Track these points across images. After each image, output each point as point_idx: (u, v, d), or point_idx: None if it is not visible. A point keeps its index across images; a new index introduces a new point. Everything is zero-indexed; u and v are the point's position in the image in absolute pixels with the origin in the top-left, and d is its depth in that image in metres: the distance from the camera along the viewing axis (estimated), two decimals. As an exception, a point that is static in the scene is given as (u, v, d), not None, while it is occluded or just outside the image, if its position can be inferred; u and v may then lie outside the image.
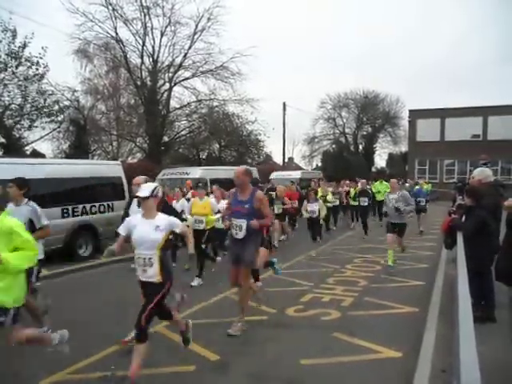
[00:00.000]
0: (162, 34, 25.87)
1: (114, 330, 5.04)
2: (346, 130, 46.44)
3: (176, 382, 3.90)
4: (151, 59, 26.35)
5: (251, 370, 4.08)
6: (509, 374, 3.72)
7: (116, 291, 6.88)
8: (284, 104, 31.76)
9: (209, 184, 12.86)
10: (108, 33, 24.81)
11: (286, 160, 35.84)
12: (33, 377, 3.95)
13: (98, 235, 10.18)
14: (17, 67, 18.84)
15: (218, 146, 31.76)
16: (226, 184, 13.28)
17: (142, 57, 26.07)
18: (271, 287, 7.07)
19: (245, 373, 4.04)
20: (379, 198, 15.40)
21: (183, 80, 27.37)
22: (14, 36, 18.43)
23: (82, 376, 4.00)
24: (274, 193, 11.35)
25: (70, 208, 9.61)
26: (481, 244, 5.06)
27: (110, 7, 24.13)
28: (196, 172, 14.75)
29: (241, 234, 5.02)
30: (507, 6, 58.95)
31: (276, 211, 10.55)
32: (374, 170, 44.75)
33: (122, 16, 24.74)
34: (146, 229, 3.78)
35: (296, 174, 21.57)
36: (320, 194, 12.58)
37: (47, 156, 24.61)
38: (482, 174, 5.98)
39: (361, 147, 46.89)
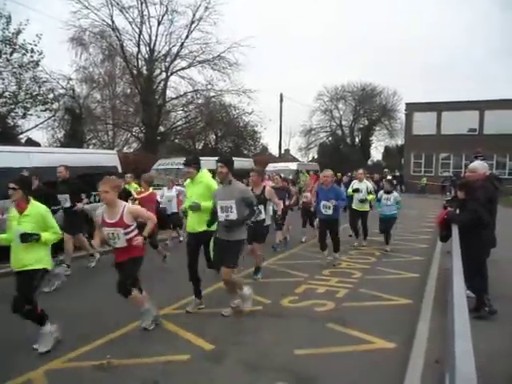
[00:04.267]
0: (158, 23, 25.63)
1: (111, 319, 5.04)
2: (343, 123, 46.44)
3: (171, 371, 3.90)
4: (148, 48, 26.10)
5: (246, 360, 4.09)
6: (504, 366, 3.75)
7: (114, 279, 6.85)
8: (281, 95, 31.69)
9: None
10: (104, 20, 24.55)
11: (283, 152, 35.81)
12: (27, 365, 3.94)
13: (93, 224, 10.07)
14: (11, 54, 18.58)
15: (214, 136, 31.72)
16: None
17: (138, 45, 25.83)
18: (266, 278, 7.09)
19: (239, 362, 4.05)
20: None
21: (180, 70, 27.18)
22: (8, 22, 18.16)
23: (78, 364, 3.99)
24: None
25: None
26: (476, 237, 5.09)
27: (107, -6, 23.83)
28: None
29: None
30: (500, 3, 59.67)
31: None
32: (370, 163, 44.83)
33: (118, 4, 24.48)
34: None
35: (292, 166, 21.55)
36: None
37: (42, 145, 24.44)
38: (484, 167, 6.02)
39: (357, 140, 46.89)
